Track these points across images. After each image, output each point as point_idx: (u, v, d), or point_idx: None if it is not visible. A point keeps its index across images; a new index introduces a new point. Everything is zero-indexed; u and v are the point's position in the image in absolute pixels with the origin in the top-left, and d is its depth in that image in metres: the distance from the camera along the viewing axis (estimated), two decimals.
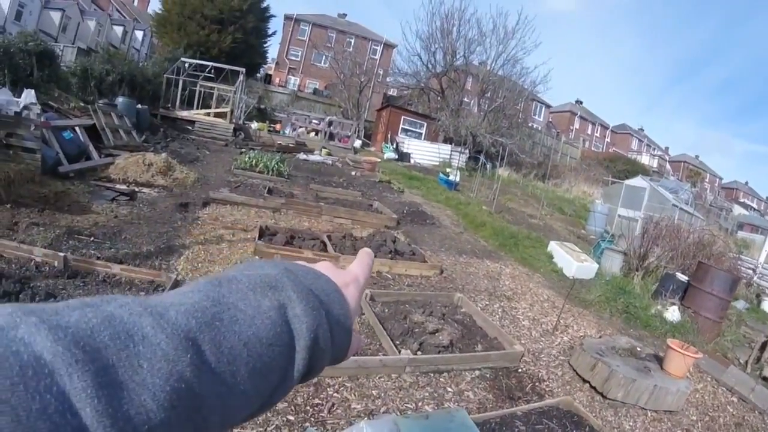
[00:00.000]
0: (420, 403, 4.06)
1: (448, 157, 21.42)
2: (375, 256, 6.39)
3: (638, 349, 5.78)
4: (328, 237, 7.24)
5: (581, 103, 67.05)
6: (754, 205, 65.18)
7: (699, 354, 5.60)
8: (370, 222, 9.01)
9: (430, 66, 28.00)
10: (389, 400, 3.98)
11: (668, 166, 67.69)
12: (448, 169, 17.39)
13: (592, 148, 59.49)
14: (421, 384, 4.36)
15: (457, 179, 15.73)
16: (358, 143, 23.91)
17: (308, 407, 3.54)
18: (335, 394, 3.81)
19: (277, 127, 25.98)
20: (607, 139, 68.54)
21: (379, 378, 4.22)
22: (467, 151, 23.14)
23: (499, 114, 25.60)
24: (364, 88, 33.59)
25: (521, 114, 29.76)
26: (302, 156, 15.93)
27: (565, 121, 63.36)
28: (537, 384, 5.02)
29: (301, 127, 25.42)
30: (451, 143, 23.26)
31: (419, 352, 4.65)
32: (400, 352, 4.49)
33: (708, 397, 6.00)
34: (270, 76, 46.19)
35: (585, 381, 5.19)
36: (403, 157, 21.36)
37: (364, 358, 4.20)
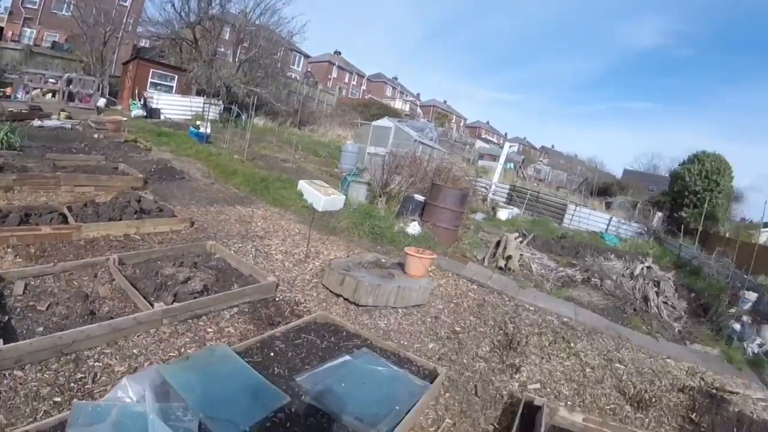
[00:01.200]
0: (182, 349, 4.14)
1: (201, 109, 20.58)
2: (120, 219, 6.03)
3: (383, 260, 6.67)
4: (69, 208, 6.59)
5: (340, 53, 69.66)
6: (494, 140, 76.97)
7: (433, 255, 6.73)
8: (115, 186, 8.38)
9: (183, 14, 26.07)
10: (151, 355, 3.98)
11: (419, 110, 75.45)
12: (198, 122, 16.78)
13: (349, 96, 62.96)
14: (181, 332, 4.43)
15: (209, 131, 15.35)
16: (102, 102, 21.26)
17: (72, 384, 3.41)
18: (96, 364, 3.69)
19: (8, 91, 21.52)
20: (364, 87, 73.17)
21: (138, 336, 4.16)
22: (221, 102, 22.56)
23: (255, 64, 25.30)
24: (110, 39, 29.81)
25: (278, 64, 29.86)
26: (37, 123, 13.70)
27: (323, 70, 65.45)
28: (295, 307, 5.48)
29: (35, 88, 21.57)
30: (204, 95, 22.35)
31: (174, 304, 4.65)
32: (153, 306, 4.44)
33: (451, 288, 7.26)
34: (1, 29, 37.37)
35: (338, 295, 5.86)
36: (153, 113, 19.82)
37: (117, 320, 4.07)
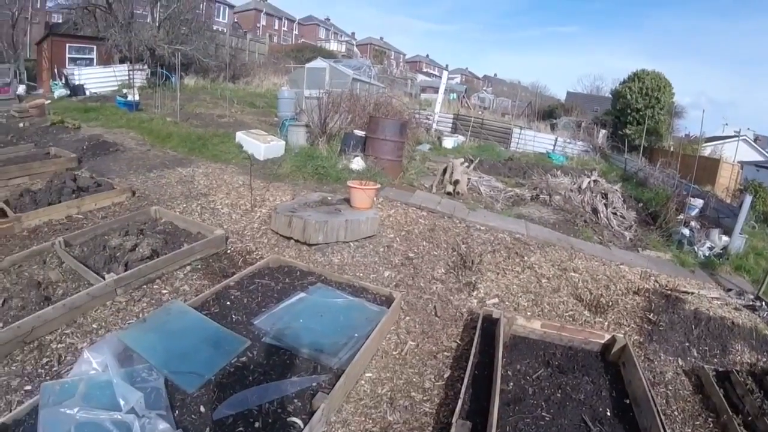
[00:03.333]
0: (140, 315, 4.20)
1: (127, 77, 19.55)
2: (59, 201, 5.84)
3: (329, 198, 6.76)
4: (6, 202, 6.33)
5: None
6: (436, 73, 75.98)
7: (377, 185, 6.85)
8: (48, 171, 8.05)
9: None
10: (111, 326, 4.02)
11: (356, 49, 73.34)
12: (125, 90, 16.01)
13: (281, 42, 60.64)
14: (137, 298, 4.47)
15: (137, 99, 14.67)
16: (21, 89, 19.85)
17: (40, 369, 3.46)
18: (59, 345, 3.73)
19: None
20: (296, 32, 70.40)
21: (95, 311, 4.19)
22: (146, 67, 21.42)
23: (177, 21, 23.87)
24: (18, 20, 27.55)
25: (202, 17, 28.34)
26: None
27: (251, 19, 62.55)
28: (247, 256, 5.56)
29: None
30: (127, 62, 21.16)
31: (125, 272, 4.64)
32: (105, 278, 4.42)
33: (401, 217, 7.41)
34: None
35: (288, 238, 5.94)
36: (77, 90, 18.62)
37: (71, 299, 4.06)
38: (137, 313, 4.23)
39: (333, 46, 64.61)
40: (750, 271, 8.61)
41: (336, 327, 4.05)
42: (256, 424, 2.98)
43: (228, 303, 4.28)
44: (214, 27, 37.08)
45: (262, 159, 9.26)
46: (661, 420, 3.70)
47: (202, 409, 3.04)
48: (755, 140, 34.44)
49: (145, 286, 4.65)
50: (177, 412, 2.98)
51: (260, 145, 9.48)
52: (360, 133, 9.86)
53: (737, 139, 29.52)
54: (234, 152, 9.87)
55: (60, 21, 31.05)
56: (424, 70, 76.03)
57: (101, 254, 4.97)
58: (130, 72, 18.07)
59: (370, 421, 3.48)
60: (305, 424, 2.97)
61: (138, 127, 12.04)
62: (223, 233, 5.69)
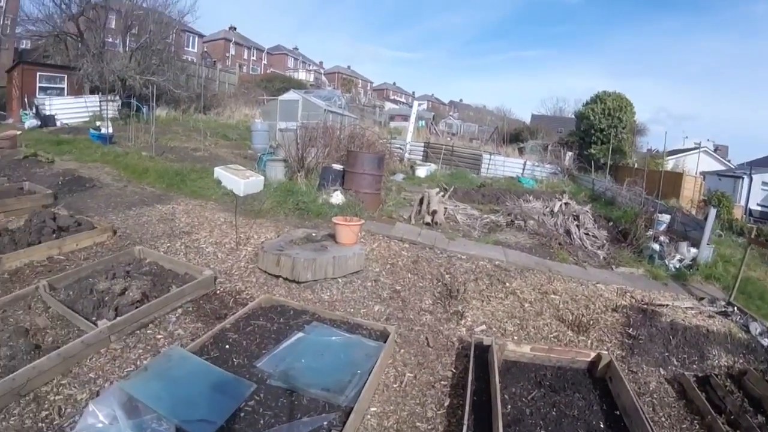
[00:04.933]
0: (138, 362, 4.09)
1: (98, 108, 19.22)
2: (39, 242, 5.67)
3: (313, 234, 6.78)
4: None
5: (235, 29, 66.53)
6: (403, 100, 77.15)
7: (361, 221, 6.92)
8: (24, 207, 7.83)
9: (63, 6, 23.52)
10: (109, 374, 3.91)
11: (324, 78, 73.97)
12: (98, 123, 15.73)
13: (250, 72, 60.74)
14: (132, 344, 4.36)
15: (111, 131, 14.44)
16: None
17: (40, 423, 3.31)
18: (57, 397, 3.59)
19: None
20: (264, 61, 70.63)
21: (90, 360, 4.06)
22: (118, 97, 21.11)
23: (148, 51, 23.61)
24: None
25: (172, 48, 28.12)
26: None
27: (220, 49, 62.44)
28: (238, 296, 5.52)
29: None
30: (99, 93, 20.82)
31: (118, 318, 4.55)
32: (97, 325, 4.32)
33: (384, 250, 7.48)
34: None
35: (277, 276, 5.93)
36: (48, 121, 18.16)
37: (65, 348, 3.92)
38: (134, 361, 4.13)
39: (301, 75, 65.05)
40: (720, 278, 8.97)
41: (338, 365, 4.06)
42: None
43: (227, 346, 4.23)
44: (184, 56, 36.94)
45: (242, 195, 9.22)
46: (650, 426, 3.87)
47: None
48: (715, 150, 36.05)
49: (138, 332, 4.55)
50: None
51: (240, 180, 9.44)
52: (338, 166, 9.93)
53: (698, 150, 30.95)
54: (213, 188, 9.79)
55: (28, 48, 30.38)
56: (392, 97, 77.11)
57: (89, 298, 4.85)
58: (102, 103, 17.76)
59: None
60: None
61: (113, 161, 11.84)
62: (212, 274, 5.63)
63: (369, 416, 3.87)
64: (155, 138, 13.56)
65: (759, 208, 22.97)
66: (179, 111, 22.94)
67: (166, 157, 12.57)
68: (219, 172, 10.07)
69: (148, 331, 4.59)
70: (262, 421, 3.33)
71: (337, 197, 8.90)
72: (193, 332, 4.65)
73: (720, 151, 37.88)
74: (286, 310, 5.03)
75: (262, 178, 9.83)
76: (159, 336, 4.55)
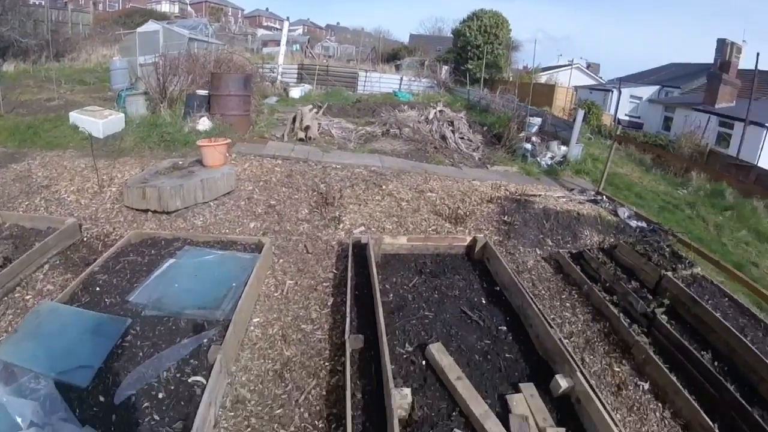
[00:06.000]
0: (9, 328, 3.68)
1: None
2: None
3: (180, 162, 6.39)
4: None
5: None
6: (277, 26, 72.67)
7: (227, 140, 6.58)
8: None
9: None
10: None
11: (190, 8, 67.68)
12: None
13: (108, 9, 54.18)
14: (0, 312, 3.94)
15: None
16: None
17: None
18: None
19: None
20: None
21: None
22: None
23: None
24: None
25: None
26: None
27: None
28: (106, 239, 5.15)
29: None
30: None
31: None
32: None
33: (256, 169, 7.24)
34: None
35: (145, 211, 5.55)
36: None
37: None
38: (5, 328, 3.74)
39: (165, 7, 59.04)
40: (589, 173, 9.82)
41: (213, 282, 3.96)
42: (160, 395, 2.89)
43: (98, 289, 3.95)
44: (31, 1, 32.10)
45: (103, 136, 8.33)
46: (530, 296, 4.25)
47: (101, 399, 2.84)
48: (587, 67, 38.02)
49: (5, 298, 4.10)
50: (77, 410, 2.76)
51: (98, 121, 8.52)
52: (203, 92, 9.26)
53: (571, 67, 32.71)
54: (70, 135, 8.73)
55: None
56: (265, 24, 72.69)
57: None
58: None
59: (270, 361, 3.55)
60: (207, 379, 2.94)
61: None
62: (75, 221, 5.15)
63: (252, 327, 3.89)
64: (3, 95, 11.80)
65: (627, 118, 25.10)
66: (29, 63, 20.06)
67: (17, 113, 11.02)
68: (75, 116, 9.03)
69: (16, 295, 4.17)
70: (141, 354, 3.20)
71: (204, 123, 8.37)
72: (62, 285, 4.27)
73: (592, 68, 39.59)
74: (157, 241, 4.77)
75: (123, 115, 8.91)
76: (28, 297, 4.16)
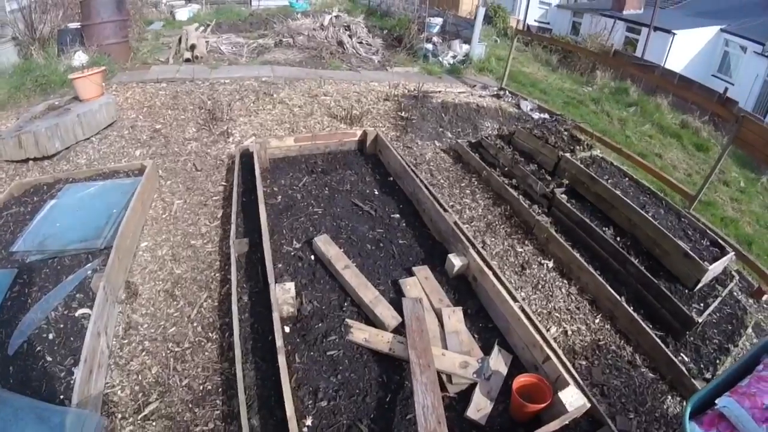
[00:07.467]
0: None
1: None
2: None
3: (56, 103, 5.81)
4: None
5: None
6: None
7: (101, 68, 5.98)
8: None
9: None
10: None
11: None
12: None
13: None
14: None
15: None
16: None
17: None
18: None
19: None
20: None
21: None
22: None
23: None
24: None
25: None
26: None
27: None
28: None
29: None
30: None
31: None
32: None
33: (139, 96, 6.82)
34: None
35: (26, 160, 5.05)
36: None
37: None
38: None
39: None
40: (493, 71, 9.75)
41: (94, 213, 3.82)
42: (50, 336, 2.84)
43: None
44: None
45: None
46: (420, 181, 4.35)
47: None
48: None
49: None
50: None
51: None
52: (75, 25, 8.30)
53: None
54: None
55: None
56: None
57: None
58: None
59: (161, 282, 3.55)
60: (92, 308, 2.89)
61: None
62: None
63: (141, 252, 3.83)
64: None
65: (537, 24, 24.46)
66: None
67: None
68: None
69: None
70: (30, 300, 3.10)
71: (80, 57, 7.59)
72: None
73: None
74: (39, 188, 4.45)
75: None
76: None
